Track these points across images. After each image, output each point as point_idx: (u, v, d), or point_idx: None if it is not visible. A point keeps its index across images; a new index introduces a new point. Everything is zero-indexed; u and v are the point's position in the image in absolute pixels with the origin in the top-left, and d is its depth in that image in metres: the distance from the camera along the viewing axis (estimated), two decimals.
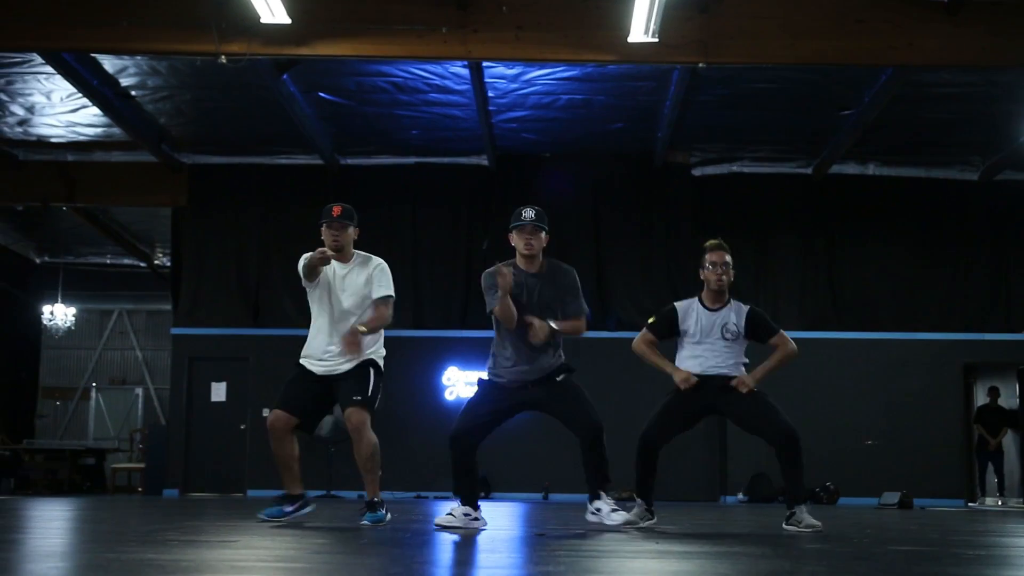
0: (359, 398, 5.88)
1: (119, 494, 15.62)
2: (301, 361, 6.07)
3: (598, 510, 5.75)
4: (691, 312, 6.15)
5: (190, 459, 14.75)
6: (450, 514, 5.84)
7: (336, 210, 6.09)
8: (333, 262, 6.02)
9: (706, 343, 6.08)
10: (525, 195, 15.01)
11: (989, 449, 14.86)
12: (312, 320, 6.12)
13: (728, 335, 6.07)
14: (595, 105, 13.18)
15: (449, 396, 14.73)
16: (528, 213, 5.77)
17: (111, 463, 17.15)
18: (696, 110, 13.08)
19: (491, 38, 10.81)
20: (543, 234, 5.79)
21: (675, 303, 6.24)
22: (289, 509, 6.01)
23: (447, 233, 15.19)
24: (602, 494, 5.76)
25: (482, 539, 4.97)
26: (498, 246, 15.22)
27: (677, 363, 6.17)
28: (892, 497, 12.55)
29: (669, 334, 6.21)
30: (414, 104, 13.17)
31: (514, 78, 12.37)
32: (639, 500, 6.09)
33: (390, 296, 6.07)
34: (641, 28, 9.95)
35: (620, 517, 5.72)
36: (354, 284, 6.03)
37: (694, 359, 6.11)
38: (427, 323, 14.92)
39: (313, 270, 5.92)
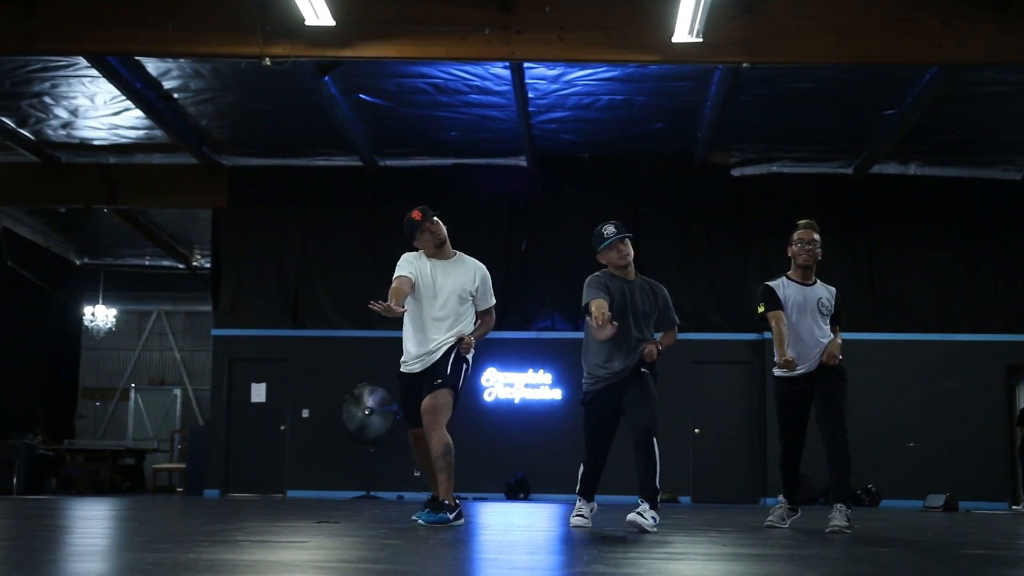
0: (439, 381, 5.85)
1: (160, 494, 15.73)
2: (401, 369, 6.12)
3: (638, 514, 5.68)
4: (783, 287, 6.28)
5: (230, 460, 14.83)
6: (580, 515, 6.14)
7: (416, 214, 6.15)
8: (431, 259, 6.11)
9: (805, 319, 6.16)
10: (563, 196, 15.08)
11: None
12: (405, 321, 6.11)
13: (824, 310, 6.20)
14: (635, 106, 13.15)
15: (488, 397, 14.74)
16: (610, 228, 6.04)
17: (150, 463, 17.28)
18: (736, 110, 13.02)
19: (534, 39, 10.80)
20: (629, 242, 6.08)
21: (765, 283, 6.36)
22: (451, 516, 5.82)
23: (485, 234, 15.18)
24: (642, 501, 5.66)
25: (548, 540, 4.97)
26: (536, 247, 15.26)
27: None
28: (937, 499, 12.44)
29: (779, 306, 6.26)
30: (454, 105, 13.19)
31: (555, 79, 12.36)
32: (782, 500, 6.43)
33: (494, 304, 6.37)
34: (685, 28, 9.92)
35: (640, 519, 5.56)
36: (454, 280, 6.08)
37: (796, 343, 6.14)
38: None
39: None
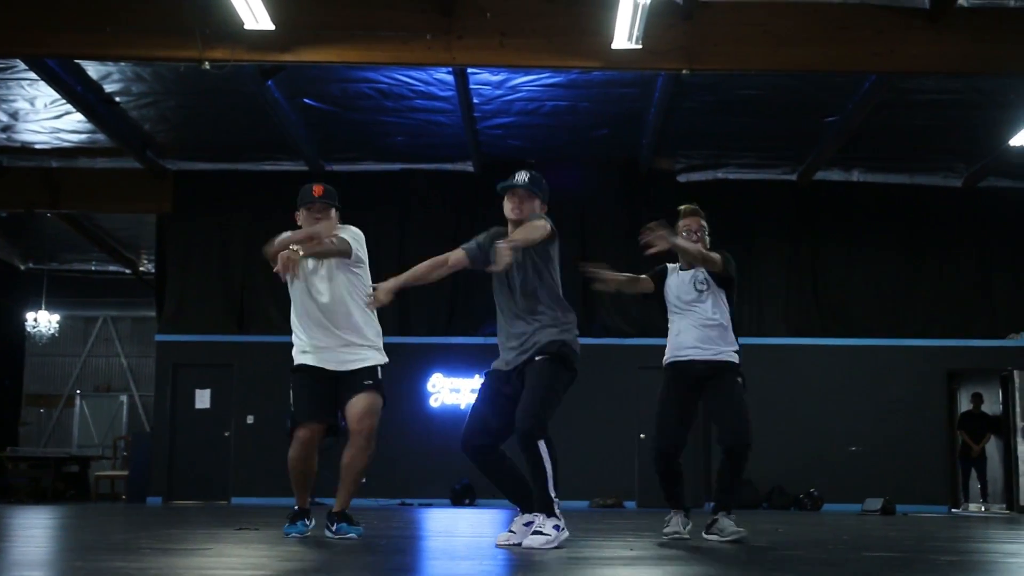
0: (370, 381, 5.31)
1: (102, 502, 15.54)
2: (300, 361, 5.48)
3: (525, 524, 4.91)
4: (672, 273, 6.00)
5: (174, 466, 14.69)
6: (510, 531, 4.96)
7: (317, 189, 5.48)
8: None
9: (684, 306, 5.85)
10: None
11: (972, 455, 14.90)
12: (292, 318, 5.59)
13: (700, 286, 5.82)
14: (580, 111, 13.20)
15: (434, 403, 14.71)
16: (521, 176, 5.08)
17: (95, 471, 17.07)
18: (681, 116, 13.10)
19: (475, 44, 10.80)
20: (537, 201, 5.11)
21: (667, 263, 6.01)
22: (311, 523, 5.53)
23: (432, 239, 15.13)
24: (535, 515, 4.82)
25: (457, 546, 4.96)
26: None
27: (669, 339, 5.96)
28: (875, 503, 12.57)
29: (659, 280, 6.01)
30: (399, 110, 13.17)
31: (499, 84, 12.38)
32: (673, 511, 5.83)
33: (349, 244, 5.39)
34: (625, 34, 9.98)
35: (536, 540, 4.69)
36: (326, 265, 5.42)
37: (678, 334, 5.86)
38: (412, 330, 14.91)
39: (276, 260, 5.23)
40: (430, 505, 13.66)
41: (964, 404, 15.56)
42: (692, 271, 5.93)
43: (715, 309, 5.86)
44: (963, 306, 15.00)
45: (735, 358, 5.85)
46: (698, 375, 5.79)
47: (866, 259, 15.02)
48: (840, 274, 15.06)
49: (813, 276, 15.07)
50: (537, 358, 4.96)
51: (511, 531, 4.93)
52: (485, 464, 5.03)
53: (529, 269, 5.05)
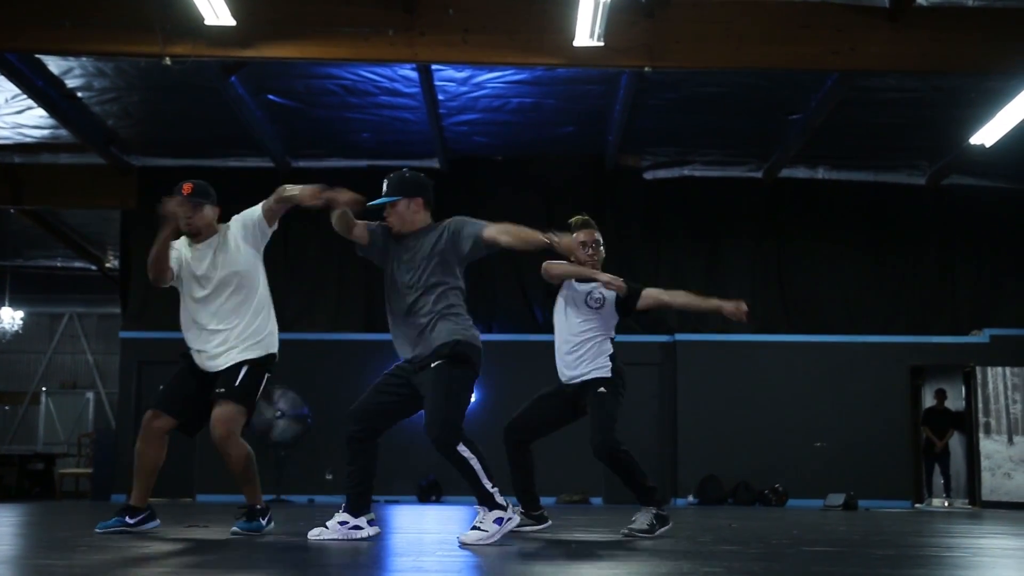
0: (222, 390, 5.16)
1: (67, 499, 15.43)
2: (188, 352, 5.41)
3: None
4: (566, 285, 5.79)
5: None
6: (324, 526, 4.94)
7: (187, 187, 5.35)
8: (183, 247, 5.40)
9: (571, 318, 5.68)
10: (477, 198, 15.08)
11: (936, 451, 15.03)
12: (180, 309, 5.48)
13: (593, 303, 5.69)
14: (545, 108, 13.21)
15: None
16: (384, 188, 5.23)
17: (61, 468, 16.95)
18: (646, 114, 13.14)
19: (438, 41, 10.79)
20: (400, 204, 5.18)
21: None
22: (131, 521, 5.35)
23: None
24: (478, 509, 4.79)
25: (382, 543, 4.94)
26: None
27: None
28: (837, 499, 12.65)
29: (554, 288, 5.85)
30: (364, 107, 13.14)
31: (463, 81, 12.37)
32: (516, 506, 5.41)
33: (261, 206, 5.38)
34: (586, 32, 9.99)
35: (472, 536, 4.67)
36: (206, 263, 5.36)
37: (561, 355, 5.72)
38: (377, 326, 14.84)
39: (158, 264, 5.25)
40: (397, 502, 13.63)
41: (928, 400, 15.69)
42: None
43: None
44: (927, 303, 15.12)
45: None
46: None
47: (831, 256, 15.12)
48: (805, 271, 15.15)
49: (779, 273, 15.15)
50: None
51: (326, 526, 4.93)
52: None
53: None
